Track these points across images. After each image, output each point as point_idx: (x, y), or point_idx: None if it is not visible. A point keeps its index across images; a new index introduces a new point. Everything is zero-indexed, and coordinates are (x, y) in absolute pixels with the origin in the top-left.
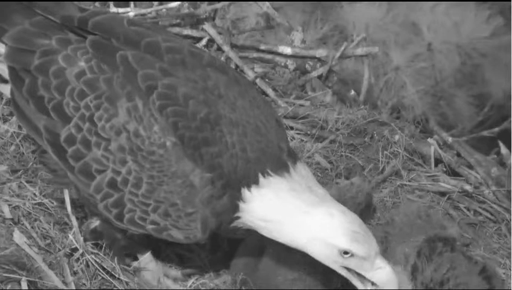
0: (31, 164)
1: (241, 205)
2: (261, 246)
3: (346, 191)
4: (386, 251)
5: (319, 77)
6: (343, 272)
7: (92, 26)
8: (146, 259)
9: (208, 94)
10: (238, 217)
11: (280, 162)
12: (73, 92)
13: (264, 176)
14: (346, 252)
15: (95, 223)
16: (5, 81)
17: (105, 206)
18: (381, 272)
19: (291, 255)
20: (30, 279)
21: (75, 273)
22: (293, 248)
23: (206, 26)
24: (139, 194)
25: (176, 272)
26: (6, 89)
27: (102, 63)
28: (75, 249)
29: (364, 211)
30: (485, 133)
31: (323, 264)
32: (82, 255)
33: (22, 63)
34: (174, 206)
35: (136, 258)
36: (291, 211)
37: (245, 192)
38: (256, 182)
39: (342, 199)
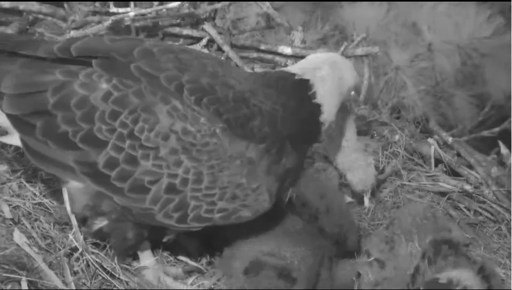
0: (31, 163)
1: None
2: None
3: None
4: (392, 251)
5: None
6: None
7: (76, 51)
8: (147, 257)
9: (218, 78)
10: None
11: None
12: (103, 115)
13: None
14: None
15: (100, 223)
16: (4, 133)
17: (166, 213)
18: None
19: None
20: (30, 279)
21: (75, 273)
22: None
23: (206, 26)
24: (202, 188)
25: (176, 270)
26: (11, 140)
27: (123, 79)
28: (75, 249)
29: None
30: (485, 133)
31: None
32: (82, 255)
33: (31, 107)
34: (240, 187)
35: (136, 258)
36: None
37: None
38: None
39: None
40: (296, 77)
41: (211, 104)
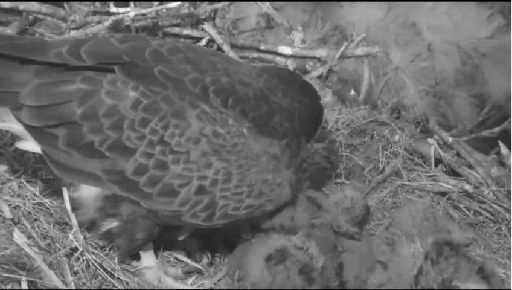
0: (31, 163)
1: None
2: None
3: (341, 204)
4: (393, 252)
5: (319, 77)
6: None
7: (88, 56)
8: (149, 257)
9: (233, 76)
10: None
11: None
12: (133, 124)
13: None
14: None
15: (110, 225)
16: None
17: (193, 214)
18: None
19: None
20: (30, 279)
21: (75, 273)
22: None
23: (206, 26)
24: (231, 187)
25: (175, 270)
26: (30, 146)
27: (150, 86)
28: (75, 249)
29: (361, 222)
30: (485, 133)
31: None
32: (82, 254)
33: (55, 118)
34: (267, 183)
35: (136, 257)
36: None
37: None
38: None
39: (338, 211)
40: (304, 79)
41: (236, 104)
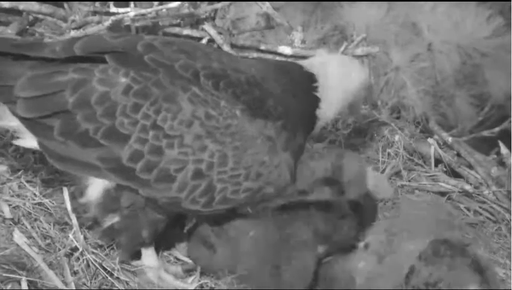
0: (31, 163)
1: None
2: None
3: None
4: (391, 245)
5: None
6: None
7: (80, 50)
8: (150, 255)
9: (226, 64)
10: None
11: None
12: (125, 109)
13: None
14: None
15: (111, 220)
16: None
17: (193, 199)
18: None
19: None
20: (30, 279)
21: (75, 273)
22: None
23: (206, 26)
24: (228, 170)
25: (176, 268)
26: (27, 143)
27: (141, 71)
28: (75, 249)
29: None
30: (485, 133)
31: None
32: (82, 254)
33: (48, 108)
34: (264, 164)
35: (136, 256)
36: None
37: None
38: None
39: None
40: (304, 69)
41: (228, 87)
